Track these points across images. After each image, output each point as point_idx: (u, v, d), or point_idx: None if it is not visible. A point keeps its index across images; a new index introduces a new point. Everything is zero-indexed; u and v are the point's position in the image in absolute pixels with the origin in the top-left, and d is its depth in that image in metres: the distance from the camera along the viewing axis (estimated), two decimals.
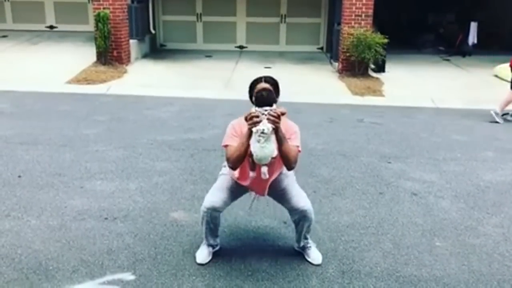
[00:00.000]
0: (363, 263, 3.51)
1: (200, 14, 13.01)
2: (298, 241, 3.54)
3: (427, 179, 5.12)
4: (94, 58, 10.18)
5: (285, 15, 12.92)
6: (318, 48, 13.16)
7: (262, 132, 2.90)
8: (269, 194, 3.43)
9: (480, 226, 4.13)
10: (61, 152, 5.51)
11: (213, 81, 9.46)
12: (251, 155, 3.05)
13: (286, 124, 3.10)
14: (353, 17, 10.12)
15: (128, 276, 3.27)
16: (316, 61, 11.78)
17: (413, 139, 6.51)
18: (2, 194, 4.41)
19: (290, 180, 3.39)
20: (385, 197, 4.64)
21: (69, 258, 3.44)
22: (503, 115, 7.73)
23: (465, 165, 5.58)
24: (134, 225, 3.93)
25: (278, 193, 3.37)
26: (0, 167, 5.02)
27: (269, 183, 3.26)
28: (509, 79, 7.97)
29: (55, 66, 9.97)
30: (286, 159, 3.07)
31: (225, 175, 3.38)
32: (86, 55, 10.47)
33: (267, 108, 2.93)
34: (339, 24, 10.69)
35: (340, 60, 10.46)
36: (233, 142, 3.11)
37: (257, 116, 2.91)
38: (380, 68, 10.65)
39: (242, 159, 3.08)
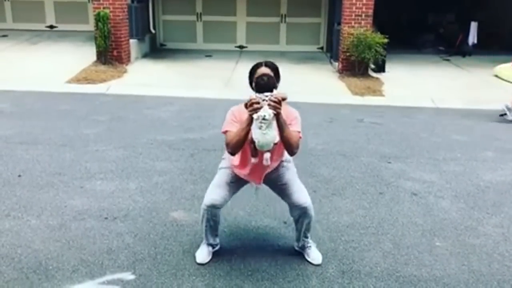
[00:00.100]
0: (363, 263, 3.51)
1: (200, 13, 13.00)
2: (298, 239, 3.54)
3: (427, 179, 5.12)
4: (94, 58, 10.17)
5: (285, 15, 12.92)
6: (318, 48, 13.16)
7: (264, 118, 2.87)
8: (270, 187, 3.42)
9: (480, 226, 4.13)
10: (61, 151, 5.51)
11: (213, 81, 9.46)
12: (252, 142, 3.03)
13: (286, 110, 3.07)
14: (353, 17, 10.13)
15: (128, 276, 3.27)
16: (316, 61, 11.78)
17: (413, 139, 6.51)
18: (2, 194, 4.40)
19: (292, 174, 3.38)
20: (385, 197, 4.64)
21: (69, 257, 3.44)
22: (503, 115, 7.73)
23: (465, 165, 5.58)
24: (134, 225, 3.93)
25: (280, 187, 3.36)
26: (0, 167, 5.02)
27: (268, 170, 3.25)
28: (511, 79, 8.02)
29: (55, 65, 9.97)
30: (288, 145, 3.06)
31: (224, 169, 3.37)
32: (86, 54, 10.47)
33: (268, 93, 2.90)
34: (339, 24, 10.69)
35: (340, 60, 10.46)
36: (233, 128, 3.09)
37: (258, 103, 2.88)
38: (380, 68, 10.65)
39: (241, 145, 3.06)
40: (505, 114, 7.71)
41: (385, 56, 10.28)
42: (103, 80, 9.16)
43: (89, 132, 6.22)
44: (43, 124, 6.52)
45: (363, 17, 10.11)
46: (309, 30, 13.11)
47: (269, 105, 2.87)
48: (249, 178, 3.34)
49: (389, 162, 5.57)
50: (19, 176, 4.81)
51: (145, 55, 11.73)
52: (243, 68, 10.89)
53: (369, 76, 10.27)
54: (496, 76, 10.65)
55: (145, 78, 9.70)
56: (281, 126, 2.96)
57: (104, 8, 9.91)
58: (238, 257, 3.52)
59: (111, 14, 9.93)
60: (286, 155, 3.35)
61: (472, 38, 13.02)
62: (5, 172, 4.89)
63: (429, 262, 3.56)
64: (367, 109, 8.13)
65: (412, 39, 13.99)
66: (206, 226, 3.40)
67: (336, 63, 10.84)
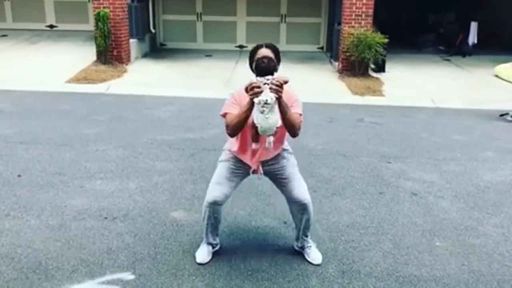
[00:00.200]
0: (363, 263, 3.51)
1: (200, 13, 13.00)
2: (298, 238, 3.54)
3: (427, 179, 5.11)
4: (94, 58, 10.17)
5: (285, 15, 12.91)
6: (318, 48, 13.16)
7: (266, 103, 2.82)
8: (271, 179, 3.41)
9: (480, 226, 4.13)
10: (61, 151, 5.50)
11: (213, 81, 9.46)
12: (254, 127, 2.99)
13: (287, 93, 3.01)
14: (353, 17, 10.13)
15: (128, 276, 3.26)
16: (316, 61, 11.78)
17: (413, 139, 6.51)
18: (2, 194, 4.40)
19: (293, 168, 3.36)
20: (385, 197, 4.64)
21: (69, 257, 3.44)
22: (503, 115, 7.73)
23: (465, 165, 5.58)
24: (134, 225, 3.93)
25: (280, 181, 3.35)
26: (0, 166, 5.02)
27: (269, 155, 3.23)
28: (511, 79, 8.01)
29: (55, 65, 9.96)
30: (290, 127, 3.03)
31: (223, 162, 3.35)
32: (86, 54, 10.47)
33: (269, 77, 2.86)
34: (339, 24, 10.69)
35: (340, 59, 10.46)
36: (233, 110, 3.05)
37: (259, 87, 2.83)
38: (380, 68, 10.65)
39: (241, 126, 3.03)
40: (505, 114, 7.72)
41: (385, 56, 10.28)
42: (103, 80, 9.16)
43: (89, 132, 6.22)
44: (43, 123, 6.52)
45: (363, 17, 10.11)
46: (309, 30, 13.11)
47: (270, 88, 2.82)
48: (248, 162, 3.28)
49: (389, 162, 5.57)
50: (19, 176, 4.81)
51: (145, 55, 11.73)
52: (243, 68, 10.85)
53: (369, 76, 10.27)
54: (496, 76, 10.66)
55: (145, 78, 9.69)
56: (283, 110, 2.92)
57: (104, 7, 9.91)
58: (238, 257, 3.52)
59: (111, 13, 9.93)
60: (287, 144, 3.35)
61: (472, 38, 13.03)
62: (5, 172, 4.88)
63: (429, 262, 3.56)
64: (367, 109, 8.12)
65: (412, 39, 13.99)
66: (207, 224, 3.40)
67: (336, 63, 10.84)
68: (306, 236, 3.53)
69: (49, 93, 8.28)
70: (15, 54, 10.82)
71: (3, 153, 5.39)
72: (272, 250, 3.63)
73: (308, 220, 3.42)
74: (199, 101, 8.06)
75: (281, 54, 3.18)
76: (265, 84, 2.83)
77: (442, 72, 11.16)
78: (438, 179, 5.13)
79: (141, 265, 3.39)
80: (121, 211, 4.15)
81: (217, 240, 3.55)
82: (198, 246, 3.54)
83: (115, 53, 10.20)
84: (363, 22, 10.09)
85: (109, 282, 3.20)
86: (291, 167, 3.36)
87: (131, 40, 10.76)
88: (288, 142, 3.41)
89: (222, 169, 3.34)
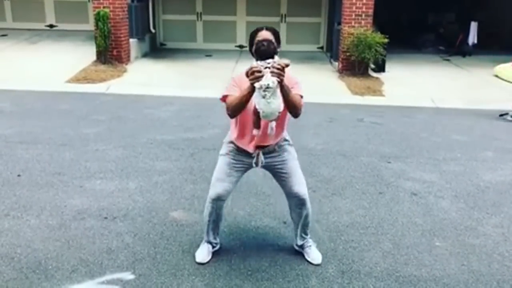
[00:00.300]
0: (362, 263, 3.51)
1: (200, 13, 13.00)
2: (297, 235, 3.53)
3: (427, 179, 5.11)
4: (94, 57, 10.17)
5: (285, 15, 12.92)
6: (318, 48, 13.16)
7: (267, 87, 2.75)
8: (271, 173, 3.40)
9: (480, 226, 4.12)
10: (61, 151, 5.50)
11: (213, 81, 9.45)
12: (256, 113, 2.94)
13: (287, 75, 2.93)
14: (353, 16, 10.13)
15: (128, 276, 3.26)
16: (316, 61, 11.78)
17: (413, 139, 6.51)
18: (2, 193, 4.40)
19: (294, 162, 3.35)
20: (385, 197, 4.64)
21: (69, 257, 3.44)
22: (503, 115, 7.73)
23: (465, 165, 5.58)
24: (133, 225, 3.93)
25: (281, 175, 3.34)
26: (0, 166, 5.01)
27: (271, 142, 3.20)
28: (511, 79, 8.00)
29: (55, 65, 9.96)
30: (292, 108, 2.99)
31: (223, 156, 3.33)
32: (86, 54, 10.46)
33: (270, 60, 2.79)
34: (339, 23, 10.69)
35: (340, 59, 10.46)
36: (234, 93, 3.02)
37: (259, 71, 2.75)
38: (380, 68, 10.65)
39: (241, 108, 2.98)
40: (505, 114, 7.72)
41: (385, 56, 10.29)
42: (103, 80, 9.16)
43: (89, 132, 6.22)
44: (43, 123, 6.52)
45: (363, 17, 10.12)
46: (309, 29, 13.11)
47: (272, 72, 2.75)
48: (247, 147, 3.24)
49: (389, 162, 5.57)
50: (19, 175, 4.81)
51: (145, 55, 11.73)
52: (243, 67, 10.86)
53: (369, 76, 10.27)
54: (496, 76, 10.66)
55: (145, 77, 9.69)
56: (285, 93, 2.87)
57: (104, 7, 9.91)
58: (238, 257, 3.52)
59: (111, 13, 9.93)
60: (287, 134, 3.33)
61: (472, 38, 13.03)
62: (4, 172, 4.88)
63: (428, 262, 3.56)
64: (367, 109, 8.12)
65: (412, 39, 14.00)
66: (209, 221, 3.40)
67: (336, 63, 10.84)
68: (306, 234, 3.53)
69: (49, 93, 8.28)
70: (15, 54, 10.82)
71: (3, 153, 5.39)
72: (272, 250, 3.63)
73: (307, 216, 3.42)
74: (199, 101, 8.06)
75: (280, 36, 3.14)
76: (266, 68, 2.76)
77: (442, 72, 11.16)
78: (438, 179, 5.12)
79: (141, 265, 3.38)
80: (121, 211, 4.15)
81: (217, 240, 3.55)
82: (198, 246, 3.54)
83: (115, 53, 10.20)
84: (363, 22, 10.10)
85: (108, 282, 3.20)
86: (292, 161, 3.34)
87: (131, 40, 10.76)
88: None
89: (222, 164, 3.33)
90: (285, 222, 3.99)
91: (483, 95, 9.17)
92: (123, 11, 10.31)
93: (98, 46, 9.93)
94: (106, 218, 4.02)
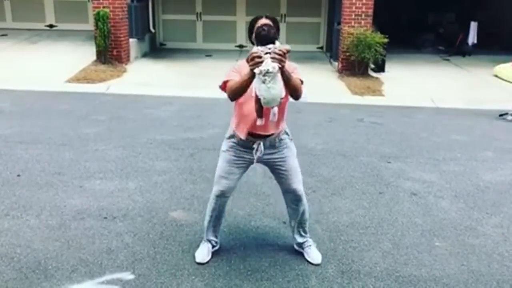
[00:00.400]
0: (362, 263, 3.51)
1: (200, 13, 13.00)
2: (294, 231, 3.53)
3: (426, 179, 5.11)
4: (94, 57, 10.17)
5: (285, 15, 12.91)
6: (318, 48, 13.16)
7: (267, 72, 2.70)
8: (270, 170, 3.39)
9: (479, 226, 4.12)
10: (61, 151, 5.50)
11: (213, 81, 9.39)
12: (258, 102, 2.91)
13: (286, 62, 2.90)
14: (353, 16, 10.13)
15: (127, 276, 3.26)
16: (316, 61, 11.78)
17: (413, 139, 6.51)
18: (1, 193, 4.40)
19: (293, 160, 3.34)
20: (384, 197, 4.64)
21: (68, 257, 3.44)
22: (503, 115, 7.73)
23: (464, 165, 5.58)
24: (133, 225, 3.92)
25: (280, 173, 3.33)
26: (0, 166, 5.01)
27: (272, 131, 3.18)
28: (511, 79, 8.00)
29: (54, 65, 9.96)
30: (293, 91, 2.96)
31: (224, 153, 3.32)
32: (86, 54, 10.46)
33: (270, 46, 2.73)
34: (339, 23, 10.69)
35: (340, 59, 10.46)
36: (234, 78, 3.00)
37: (260, 57, 2.70)
38: (380, 68, 10.66)
39: (242, 92, 2.96)
40: (505, 114, 7.72)
41: (385, 56, 10.29)
42: (102, 80, 9.16)
43: (89, 132, 6.21)
44: (42, 123, 6.52)
45: (363, 16, 10.12)
46: (309, 29, 13.11)
47: (273, 58, 2.69)
48: (243, 134, 3.21)
49: (389, 162, 5.57)
50: (19, 175, 4.81)
51: (144, 55, 11.73)
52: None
53: (369, 76, 10.27)
54: (496, 76, 10.66)
55: (144, 77, 9.69)
56: (287, 78, 2.83)
57: (103, 7, 9.91)
58: (237, 257, 3.52)
59: (110, 13, 9.92)
60: (287, 127, 3.31)
61: (472, 38, 13.04)
62: (4, 172, 4.88)
63: (428, 262, 3.56)
64: (367, 108, 8.12)
65: (412, 39, 14.00)
66: (211, 216, 3.41)
67: (336, 63, 10.84)
68: (305, 233, 3.53)
69: (48, 92, 8.28)
70: (15, 54, 10.82)
71: (2, 152, 5.39)
72: (272, 250, 3.63)
73: (303, 212, 3.43)
74: (199, 101, 8.06)
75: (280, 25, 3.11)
76: (266, 53, 2.72)
77: (442, 72, 11.16)
78: (437, 179, 5.12)
79: (141, 265, 3.38)
80: (121, 211, 4.15)
81: (217, 238, 3.55)
82: (197, 246, 3.54)
83: (114, 52, 10.20)
84: (363, 22, 10.10)
85: (108, 282, 3.20)
86: (292, 158, 3.33)
87: (131, 40, 10.76)
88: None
89: (223, 161, 3.32)
90: (285, 222, 3.98)
91: (483, 95, 9.18)
92: (123, 11, 10.31)
93: (98, 46, 9.93)
94: (105, 218, 4.02)
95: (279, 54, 2.72)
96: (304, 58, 11.87)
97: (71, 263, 3.37)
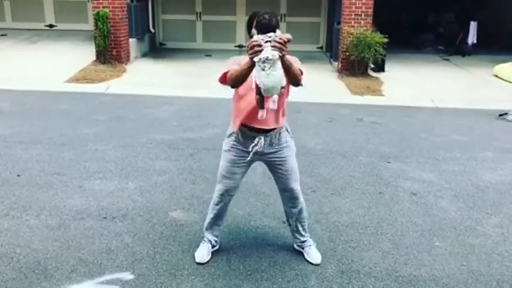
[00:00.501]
0: (362, 263, 3.51)
1: (200, 13, 13.00)
2: (292, 230, 3.53)
3: (426, 179, 5.11)
4: (94, 57, 10.17)
5: (284, 14, 12.91)
6: (318, 48, 13.16)
7: (267, 59, 2.65)
8: (270, 170, 3.39)
9: (479, 226, 4.12)
10: (60, 151, 5.50)
11: (213, 80, 9.44)
12: (258, 92, 2.88)
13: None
14: (353, 16, 10.13)
15: (127, 276, 3.26)
16: (316, 61, 11.77)
17: (412, 139, 6.51)
18: (1, 193, 4.40)
19: (293, 161, 3.34)
20: (384, 197, 4.64)
21: (68, 257, 3.44)
22: (502, 115, 7.73)
23: (464, 165, 5.58)
24: (133, 225, 3.92)
25: (280, 173, 3.33)
26: None
27: (274, 126, 3.16)
28: (510, 79, 8.00)
29: (54, 65, 9.96)
30: (294, 79, 2.94)
31: (225, 152, 3.32)
32: (86, 54, 10.46)
33: (271, 34, 2.70)
34: (339, 23, 10.69)
35: (340, 59, 10.46)
36: (234, 67, 2.99)
37: (259, 45, 2.67)
38: (380, 68, 10.66)
39: (241, 80, 2.94)
40: (505, 114, 7.72)
41: (384, 56, 10.29)
42: (102, 80, 9.16)
43: (88, 132, 6.21)
44: (42, 123, 6.51)
45: (362, 16, 10.12)
46: (309, 29, 13.11)
47: (273, 46, 2.66)
48: (236, 125, 3.21)
49: (389, 162, 5.57)
50: (18, 175, 4.81)
51: (144, 55, 11.73)
52: None
53: (369, 75, 10.27)
54: (496, 76, 10.66)
55: (144, 77, 9.69)
56: (287, 66, 2.81)
57: (103, 7, 9.91)
58: (237, 257, 3.52)
59: (110, 13, 9.92)
60: (287, 124, 3.30)
61: (472, 38, 13.04)
62: (4, 172, 4.88)
63: (428, 262, 3.56)
64: (367, 108, 8.12)
65: (412, 38, 14.01)
66: (213, 214, 3.42)
67: (336, 63, 10.84)
68: (305, 232, 3.53)
69: (48, 92, 8.27)
70: (15, 54, 10.81)
71: (2, 152, 5.39)
72: (271, 250, 3.63)
73: (301, 211, 3.44)
74: (199, 101, 8.06)
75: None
76: (266, 42, 2.69)
77: (441, 72, 11.16)
78: (437, 179, 5.12)
79: (140, 265, 3.38)
80: (120, 211, 4.15)
81: (217, 238, 3.55)
82: (197, 246, 3.54)
83: (114, 52, 10.19)
84: (362, 21, 10.10)
85: (108, 282, 3.20)
86: (292, 159, 3.33)
87: (131, 40, 10.76)
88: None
89: (225, 161, 3.32)
90: (284, 222, 3.97)
91: (482, 95, 9.17)
92: (123, 11, 10.30)
93: (97, 46, 9.93)
94: (105, 218, 4.02)
95: (279, 43, 2.69)
96: (304, 58, 11.78)
97: (70, 263, 3.37)
